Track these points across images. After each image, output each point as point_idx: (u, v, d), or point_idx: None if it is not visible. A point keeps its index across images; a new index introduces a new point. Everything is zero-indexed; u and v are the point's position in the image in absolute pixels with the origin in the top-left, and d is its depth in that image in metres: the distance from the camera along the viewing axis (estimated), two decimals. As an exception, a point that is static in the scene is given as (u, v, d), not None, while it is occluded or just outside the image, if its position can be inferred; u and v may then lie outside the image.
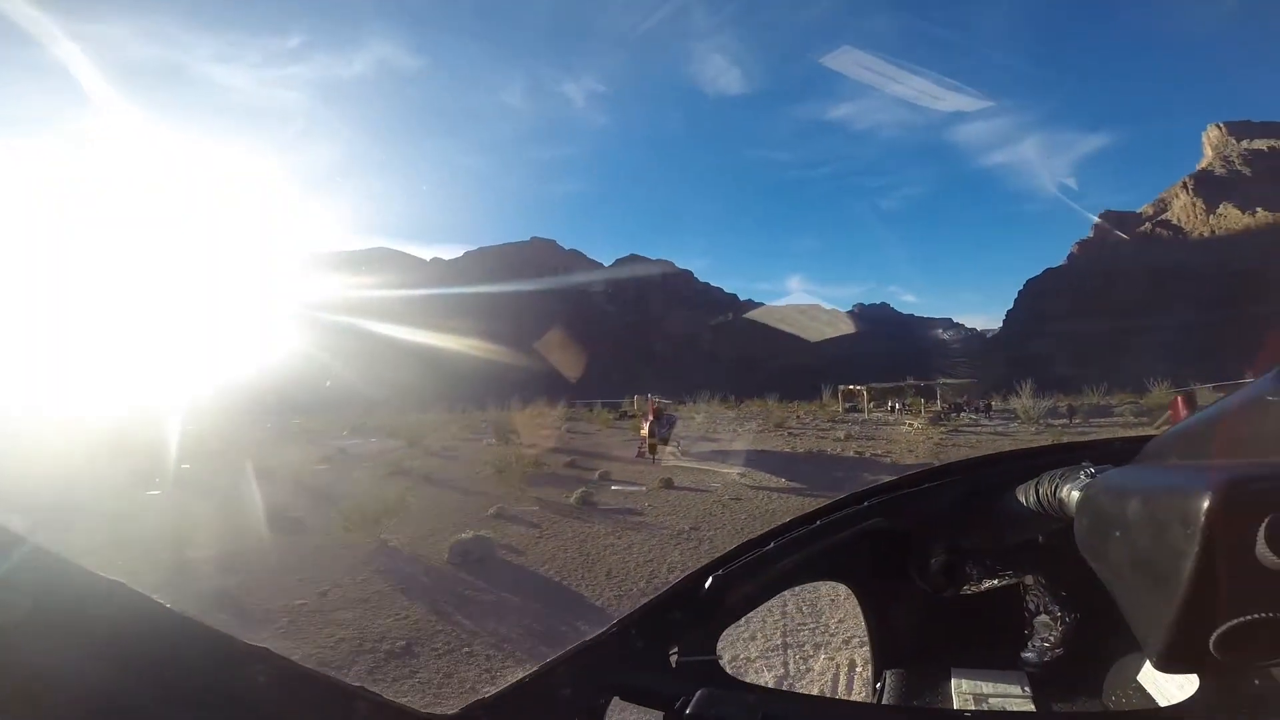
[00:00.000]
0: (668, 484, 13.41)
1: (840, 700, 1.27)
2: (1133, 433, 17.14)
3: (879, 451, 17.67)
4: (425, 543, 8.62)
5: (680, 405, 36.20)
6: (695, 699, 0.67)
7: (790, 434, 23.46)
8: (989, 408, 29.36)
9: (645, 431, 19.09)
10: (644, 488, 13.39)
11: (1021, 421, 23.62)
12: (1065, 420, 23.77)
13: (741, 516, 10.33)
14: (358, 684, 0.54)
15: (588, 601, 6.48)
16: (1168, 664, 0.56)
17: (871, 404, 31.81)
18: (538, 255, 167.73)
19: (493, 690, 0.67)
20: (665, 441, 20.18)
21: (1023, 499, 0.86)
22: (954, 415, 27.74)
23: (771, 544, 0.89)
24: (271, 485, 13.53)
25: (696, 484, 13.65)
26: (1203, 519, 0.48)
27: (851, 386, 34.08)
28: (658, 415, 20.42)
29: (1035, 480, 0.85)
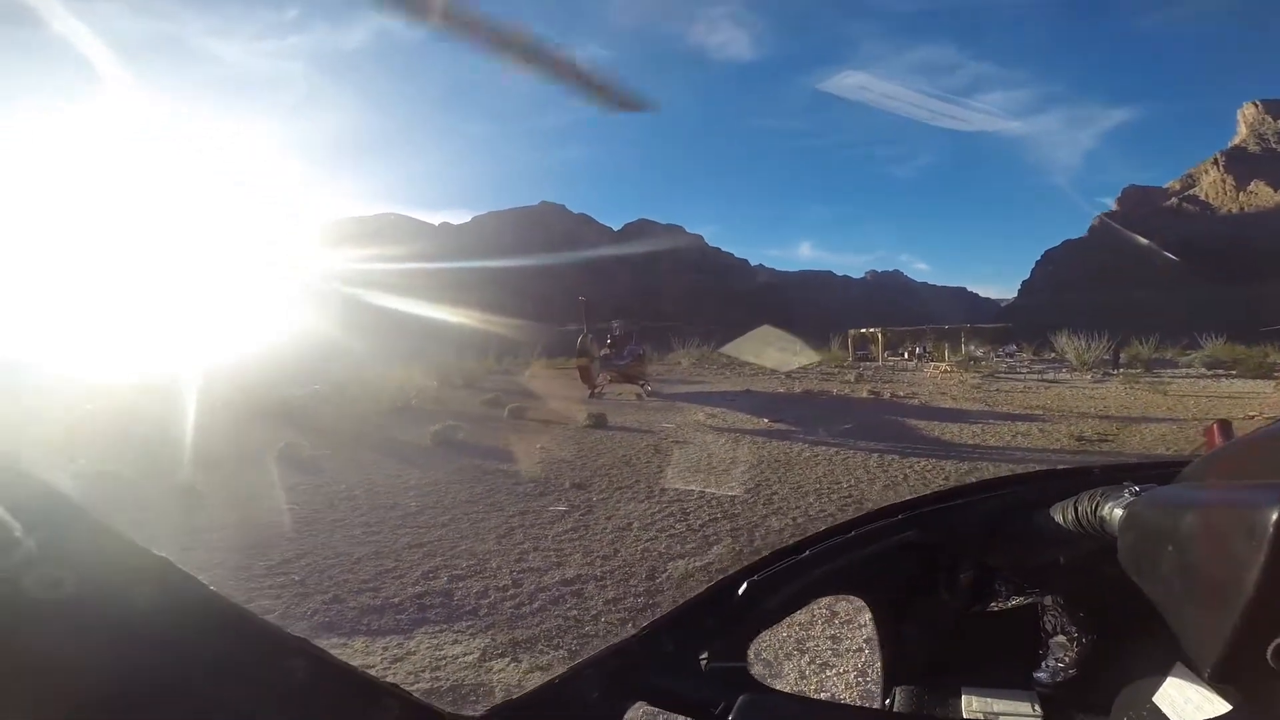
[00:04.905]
0: (599, 423, 9.34)
1: (884, 712, 0.97)
2: (1216, 385, 12.07)
3: (902, 393, 13.42)
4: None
5: (669, 354, 31.96)
6: (738, 705, 0.64)
7: (788, 378, 19.25)
8: (1012, 352, 25.39)
9: (578, 358, 14.54)
10: (564, 426, 9.35)
11: (1074, 369, 19.18)
12: (1123, 369, 19.28)
13: (673, 467, 6.26)
14: (390, 681, 0.52)
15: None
16: (1222, 675, 0.56)
17: (885, 352, 27.42)
18: (546, 218, 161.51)
19: (519, 693, 0.66)
20: (630, 377, 15.83)
21: (1059, 518, 0.83)
22: (982, 360, 23.45)
23: (807, 552, 0.87)
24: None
25: (640, 424, 9.59)
26: (1270, 530, 0.48)
27: (863, 330, 29.45)
28: (617, 343, 16.09)
29: (1074, 499, 0.81)
